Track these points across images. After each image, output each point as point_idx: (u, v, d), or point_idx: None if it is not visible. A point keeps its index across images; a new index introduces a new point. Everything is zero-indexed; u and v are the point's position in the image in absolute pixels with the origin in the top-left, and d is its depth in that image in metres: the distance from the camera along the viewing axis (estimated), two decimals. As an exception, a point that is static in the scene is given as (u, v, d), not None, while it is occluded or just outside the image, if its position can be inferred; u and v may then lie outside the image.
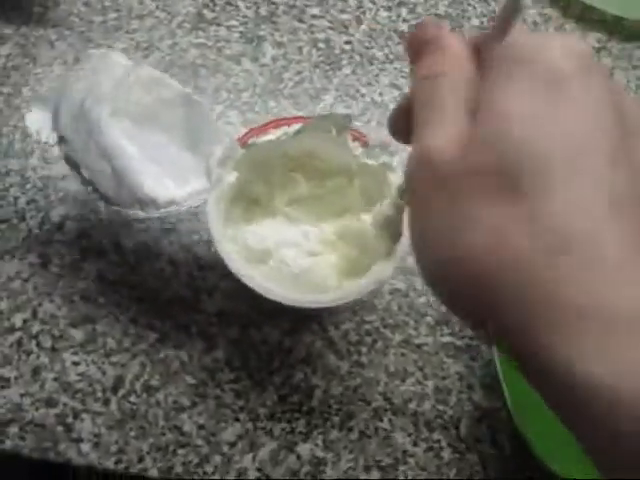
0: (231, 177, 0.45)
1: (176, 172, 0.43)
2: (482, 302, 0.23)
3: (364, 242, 0.47)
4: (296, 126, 0.45)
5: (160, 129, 0.43)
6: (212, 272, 0.53)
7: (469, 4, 0.66)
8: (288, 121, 0.46)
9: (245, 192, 0.48)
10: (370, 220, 0.46)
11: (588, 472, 0.45)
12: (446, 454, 0.50)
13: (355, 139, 0.46)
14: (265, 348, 0.51)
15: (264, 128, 0.47)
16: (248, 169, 0.46)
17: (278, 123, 0.47)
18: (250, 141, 0.45)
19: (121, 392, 0.49)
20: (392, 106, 0.60)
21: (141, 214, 0.41)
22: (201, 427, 0.49)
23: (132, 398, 0.49)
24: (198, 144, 0.43)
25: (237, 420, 0.50)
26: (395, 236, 0.43)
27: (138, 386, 0.49)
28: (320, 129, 0.45)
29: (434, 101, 0.26)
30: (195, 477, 0.47)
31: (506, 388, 0.48)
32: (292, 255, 0.48)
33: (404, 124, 0.29)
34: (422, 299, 0.54)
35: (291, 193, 0.50)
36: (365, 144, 0.46)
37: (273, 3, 0.63)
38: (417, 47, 0.28)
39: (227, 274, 0.51)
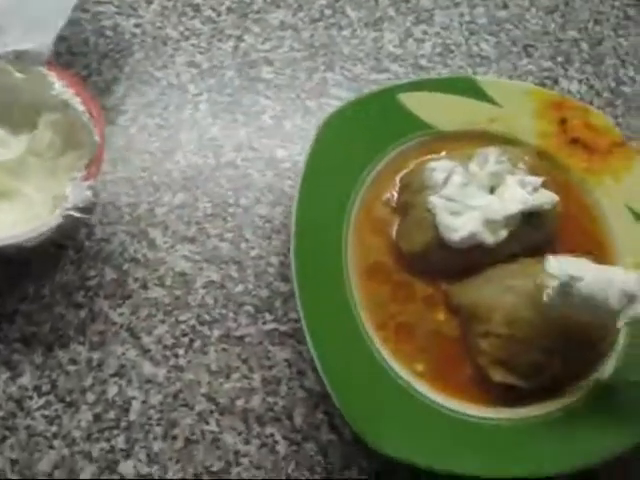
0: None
1: None
2: None
3: None
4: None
5: None
6: (9, 296, 0.52)
7: None
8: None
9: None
10: None
11: (418, 453, 0.46)
12: (282, 448, 0.50)
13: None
14: (74, 367, 0.51)
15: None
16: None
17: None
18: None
19: None
20: (191, 87, 0.59)
21: None
22: (14, 462, 0.48)
23: None
24: None
25: (52, 448, 0.49)
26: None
27: (-64, 429, 0.48)
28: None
29: None
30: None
31: (324, 374, 0.47)
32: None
33: None
34: (239, 287, 0.54)
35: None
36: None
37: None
38: None
39: (26, 297, 0.50)
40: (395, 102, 0.58)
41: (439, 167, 0.54)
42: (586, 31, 0.71)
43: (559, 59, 0.69)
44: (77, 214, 0.47)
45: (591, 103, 0.66)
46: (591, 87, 0.68)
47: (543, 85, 0.66)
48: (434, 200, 0.53)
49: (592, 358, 0.53)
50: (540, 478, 0.49)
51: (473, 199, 0.54)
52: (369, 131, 0.57)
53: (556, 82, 0.67)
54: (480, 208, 0.53)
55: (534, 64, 0.68)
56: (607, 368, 0.53)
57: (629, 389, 0.52)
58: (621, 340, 0.53)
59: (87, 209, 0.48)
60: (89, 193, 0.47)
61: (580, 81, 0.68)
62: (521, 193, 0.53)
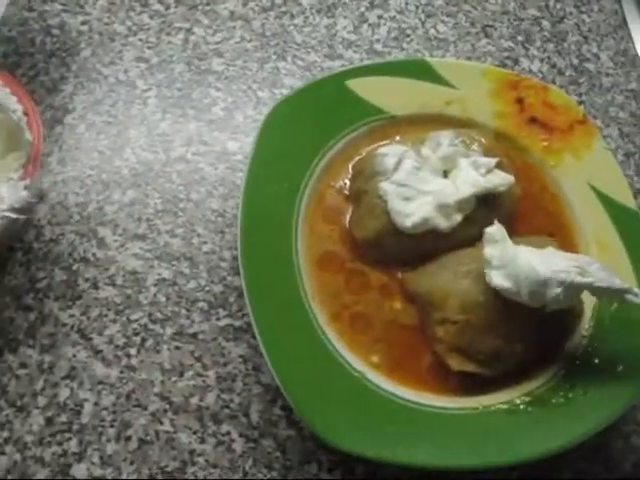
0: None
1: None
2: None
3: None
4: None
5: None
6: (-46, 300, 0.51)
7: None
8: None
9: None
10: None
11: (373, 445, 0.44)
12: (238, 446, 0.50)
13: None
14: (24, 371, 0.51)
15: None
16: None
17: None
18: None
19: None
20: (140, 82, 0.59)
21: None
22: (-34, 469, 0.48)
23: None
24: None
25: (3, 453, 0.48)
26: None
27: None
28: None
29: None
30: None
31: (273, 368, 0.47)
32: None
33: None
34: (192, 284, 0.53)
35: None
36: None
37: (-3, -5, 0.61)
38: None
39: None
40: (344, 88, 0.57)
41: (390, 152, 0.53)
42: (547, 9, 0.70)
43: (519, 38, 0.68)
44: (14, 215, 0.47)
45: (554, 82, 0.65)
46: (553, 66, 0.67)
47: (504, 66, 0.65)
48: (385, 186, 0.52)
49: (556, 342, 0.52)
50: (504, 466, 0.47)
51: (425, 184, 0.53)
52: (318, 119, 0.56)
53: (517, 62, 0.66)
54: (432, 193, 0.52)
55: (493, 44, 0.67)
56: (573, 351, 0.51)
57: (594, 373, 0.50)
58: (586, 322, 0.52)
59: (25, 209, 0.47)
60: (25, 193, 0.46)
61: (542, 60, 0.67)
62: (474, 175, 0.52)
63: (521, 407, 0.49)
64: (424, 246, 0.53)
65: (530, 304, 0.46)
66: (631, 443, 0.53)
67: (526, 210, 0.56)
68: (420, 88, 0.58)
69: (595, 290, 0.46)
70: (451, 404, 0.50)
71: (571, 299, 0.46)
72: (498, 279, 0.46)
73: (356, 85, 0.57)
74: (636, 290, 0.46)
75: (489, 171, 0.53)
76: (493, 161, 0.53)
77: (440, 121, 0.58)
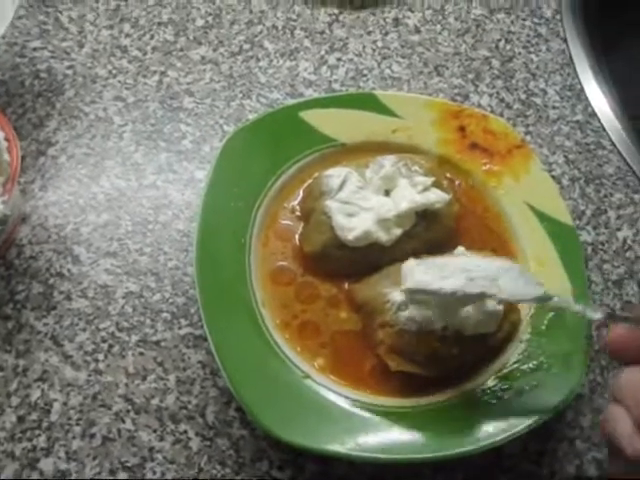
0: None
1: None
2: None
3: None
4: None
5: None
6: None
7: (193, 7, 0.75)
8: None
9: None
10: None
11: (311, 440, 0.51)
12: (194, 444, 0.57)
13: None
14: (0, 373, 0.58)
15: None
16: None
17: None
18: None
19: None
20: (117, 119, 0.69)
21: None
22: (-58, 463, 0.55)
23: None
24: None
25: None
26: None
27: None
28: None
29: None
30: None
31: (223, 369, 0.54)
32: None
33: None
34: (157, 296, 0.61)
35: None
36: None
37: (-7, 44, 0.72)
38: None
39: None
40: (298, 119, 0.66)
41: (335, 173, 0.62)
42: (497, 49, 0.79)
43: (470, 76, 0.77)
44: None
45: (501, 115, 0.74)
46: (502, 100, 0.75)
47: (454, 101, 0.74)
48: (330, 204, 0.61)
49: (493, 346, 0.58)
50: (437, 461, 0.54)
51: (367, 201, 0.61)
52: (273, 145, 0.64)
53: (467, 98, 0.75)
54: (373, 209, 0.60)
55: (445, 82, 0.76)
56: (510, 355, 0.58)
57: (529, 375, 0.57)
58: (523, 329, 0.59)
59: (1, 220, 0.56)
60: (1, 207, 0.56)
61: (491, 95, 0.75)
62: (411, 192, 0.60)
63: (456, 406, 0.56)
64: (368, 259, 0.61)
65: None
66: (575, 447, 0.59)
67: (470, 227, 0.64)
68: (368, 118, 0.67)
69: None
70: (389, 403, 0.56)
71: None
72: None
73: (309, 116, 0.66)
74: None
75: (426, 189, 0.61)
76: (430, 180, 0.61)
77: (387, 148, 0.66)
